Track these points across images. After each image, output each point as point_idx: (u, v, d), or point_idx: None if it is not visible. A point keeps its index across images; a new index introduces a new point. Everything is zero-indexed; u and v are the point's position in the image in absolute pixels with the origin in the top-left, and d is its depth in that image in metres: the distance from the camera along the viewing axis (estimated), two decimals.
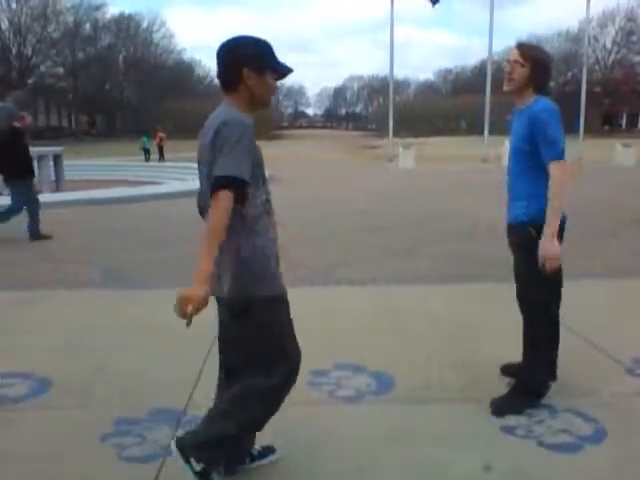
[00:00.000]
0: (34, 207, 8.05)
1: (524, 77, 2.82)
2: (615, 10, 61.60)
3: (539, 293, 2.91)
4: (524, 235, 2.86)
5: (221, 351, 2.35)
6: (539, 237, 2.78)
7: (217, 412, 2.23)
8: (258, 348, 2.17)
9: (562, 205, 2.74)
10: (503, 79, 2.90)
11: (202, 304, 1.95)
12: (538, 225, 2.79)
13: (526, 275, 2.96)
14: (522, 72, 2.82)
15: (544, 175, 2.74)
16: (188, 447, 2.13)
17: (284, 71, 2.22)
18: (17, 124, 8.18)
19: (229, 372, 2.30)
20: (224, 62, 2.13)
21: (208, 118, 2.14)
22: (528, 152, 2.79)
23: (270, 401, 2.22)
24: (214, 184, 1.96)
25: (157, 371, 3.45)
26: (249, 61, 2.10)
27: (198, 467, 2.11)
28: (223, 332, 2.30)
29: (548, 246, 2.71)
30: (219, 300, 2.22)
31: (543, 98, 2.83)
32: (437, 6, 26.09)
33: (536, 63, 2.82)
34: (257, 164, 2.10)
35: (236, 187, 1.95)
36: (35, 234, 7.99)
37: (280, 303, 2.19)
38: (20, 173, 7.97)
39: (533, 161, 2.78)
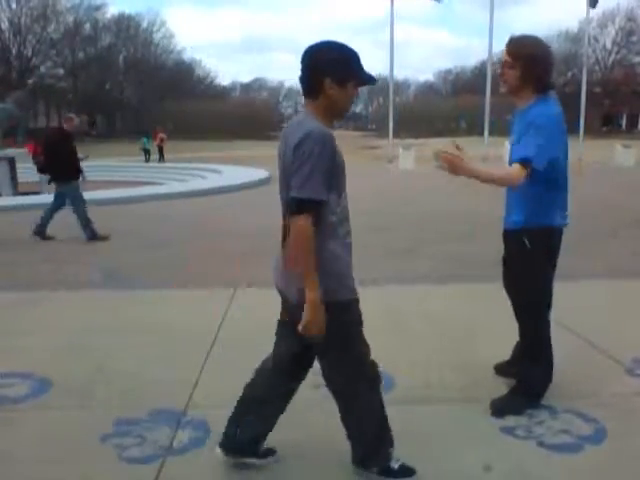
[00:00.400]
0: (57, 208, 8.15)
1: (516, 78, 2.68)
2: (615, 10, 61.62)
3: (534, 296, 2.89)
4: (521, 241, 2.81)
5: (280, 348, 2.40)
6: (532, 244, 2.76)
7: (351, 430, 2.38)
8: (338, 351, 2.23)
9: (484, 181, 2.62)
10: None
11: (322, 327, 2.09)
12: (534, 229, 2.76)
13: (523, 279, 2.90)
14: (512, 73, 2.68)
15: (543, 178, 2.63)
16: (364, 462, 2.36)
17: (368, 81, 2.15)
18: (65, 126, 8.23)
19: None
20: (307, 69, 2.09)
21: (288, 125, 2.16)
22: None
23: (370, 404, 2.33)
24: (293, 205, 2.00)
25: (157, 371, 3.45)
26: (332, 71, 2.05)
27: (375, 470, 2.34)
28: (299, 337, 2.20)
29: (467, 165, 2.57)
30: (297, 304, 2.14)
31: (544, 99, 2.69)
32: (443, 1, 26.08)
33: (528, 61, 2.64)
34: (340, 171, 2.11)
35: (315, 210, 2.00)
36: (41, 233, 8.07)
37: (356, 307, 2.29)
38: (67, 175, 8.03)
39: None
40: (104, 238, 8.00)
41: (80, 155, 8.30)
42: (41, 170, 8.45)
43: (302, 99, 2.18)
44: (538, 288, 2.87)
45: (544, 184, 2.67)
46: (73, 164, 8.09)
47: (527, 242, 2.77)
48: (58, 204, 8.17)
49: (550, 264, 2.90)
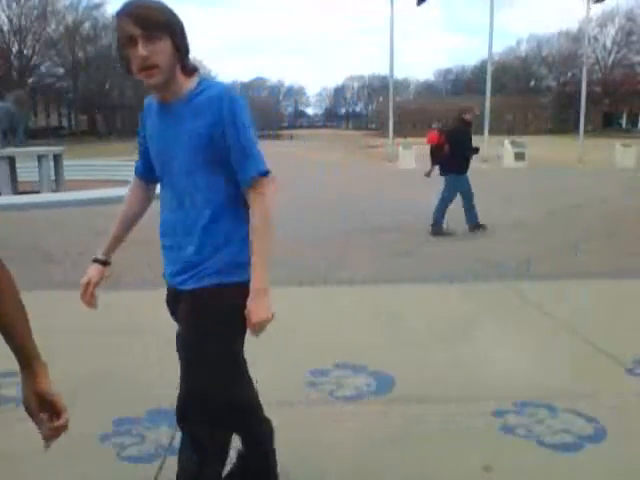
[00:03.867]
0: (471, 197, 8.12)
1: (170, 55, 1.73)
2: (615, 10, 61.63)
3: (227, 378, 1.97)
4: (225, 298, 1.85)
5: None
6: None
7: None
8: None
9: (272, 239, 1.81)
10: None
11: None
12: (238, 283, 1.84)
13: (217, 356, 1.91)
14: (163, 48, 1.71)
15: (234, 201, 1.84)
16: None
17: None
18: (468, 117, 8.17)
19: None
20: None
21: None
22: (211, 163, 1.80)
23: None
24: None
25: (157, 371, 3.45)
26: None
27: None
28: None
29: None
30: None
31: (209, 78, 1.88)
32: (422, 4, 25.64)
33: (174, 27, 1.74)
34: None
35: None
36: (475, 224, 8.07)
37: None
38: (462, 166, 8.00)
39: (219, 179, 1.82)
40: (442, 233, 7.98)
41: (475, 146, 8.24)
42: (437, 162, 8.28)
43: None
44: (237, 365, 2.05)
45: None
46: (468, 155, 8.04)
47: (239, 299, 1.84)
48: (471, 195, 8.14)
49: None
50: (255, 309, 1.79)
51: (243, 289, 1.80)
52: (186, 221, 1.85)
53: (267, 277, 1.81)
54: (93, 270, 2.10)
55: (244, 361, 2.04)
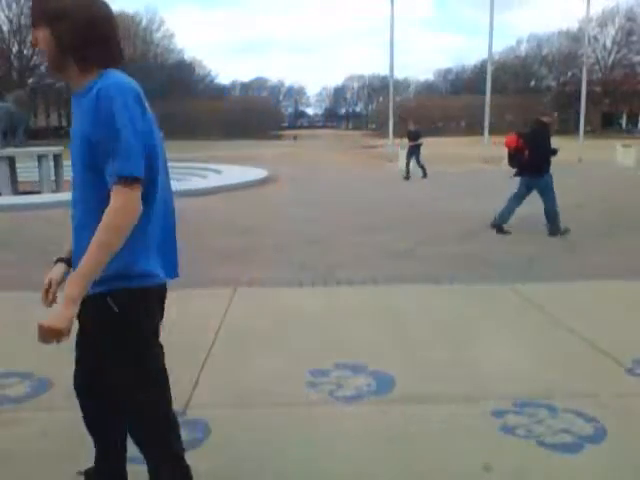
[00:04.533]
0: (520, 201, 8.11)
1: (51, 45, 1.69)
2: (615, 10, 61.57)
3: (148, 395, 2.03)
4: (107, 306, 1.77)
5: None
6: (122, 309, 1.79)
7: None
8: None
9: (113, 250, 1.63)
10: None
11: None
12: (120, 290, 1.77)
13: (125, 372, 1.96)
14: (44, 38, 1.70)
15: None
16: None
17: None
18: (546, 119, 8.30)
19: None
20: None
21: None
22: (91, 165, 1.70)
23: None
24: None
25: None
26: None
27: None
28: None
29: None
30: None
31: (113, 72, 1.71)
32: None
33: (53, 17, 1.67)
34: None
35: None
36: (498, 226, 8.05)
37: None
38: (542, 167, 7.96)
39: (97, 182, 1.70)
40: (565, 232, 7.84)
41: (554, 147, 8.21)
42: (514, 165, 8.25)
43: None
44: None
45: None
46: (548, 157, 8.02)
47: (115, 308, 1.79)
48: (523, 195, 8.15)
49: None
50: (53, 314, 1.63)
51: (132, 293, 1.78)
52: (78, 222, 1.80)
53: (83, 289, 1.63)
54: (57, 269, 1.96)
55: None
